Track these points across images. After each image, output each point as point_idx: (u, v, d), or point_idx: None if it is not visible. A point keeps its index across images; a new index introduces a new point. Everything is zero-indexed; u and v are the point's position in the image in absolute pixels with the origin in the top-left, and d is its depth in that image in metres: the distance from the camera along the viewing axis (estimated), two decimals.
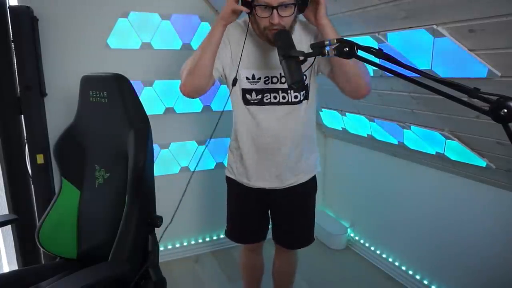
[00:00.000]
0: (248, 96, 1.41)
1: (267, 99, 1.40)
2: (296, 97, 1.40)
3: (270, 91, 1.39)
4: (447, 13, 1.14)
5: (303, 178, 1.55)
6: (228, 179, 1.61)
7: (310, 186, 1.60)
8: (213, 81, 1.38)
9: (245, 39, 1.35)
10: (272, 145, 1.44)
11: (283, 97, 1.40)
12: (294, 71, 1.07)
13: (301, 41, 1.36)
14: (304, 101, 1.42)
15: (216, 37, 1.28)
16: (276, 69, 1.36)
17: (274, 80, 1.38)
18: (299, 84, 1.09)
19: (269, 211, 1.64)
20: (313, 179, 1.62)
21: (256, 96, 1.40)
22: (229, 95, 1.46)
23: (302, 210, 1.61)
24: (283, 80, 1.37)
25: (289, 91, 1.39)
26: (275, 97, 1.40)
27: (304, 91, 1.41)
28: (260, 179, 1.50)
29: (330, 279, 2.37)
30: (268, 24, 1.22)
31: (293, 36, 1.24)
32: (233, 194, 1.62)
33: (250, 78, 1.39)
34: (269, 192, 1.52)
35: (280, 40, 1.18)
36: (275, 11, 1.18)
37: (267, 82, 1.39)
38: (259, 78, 1.38)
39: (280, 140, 1.44)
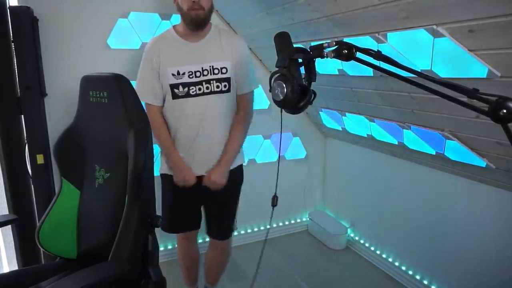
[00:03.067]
0: (176, 90, 1.59)
1: (193, 91, 1.59)
2: (218, 86, 1.60)
3: (195, 84, 1.58)
4: (447, 13, 1.14)
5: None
6: (163, 176, 1.74)
7: (234, 177, 1.73)
8: (161, 108, 1.66)
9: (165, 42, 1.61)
10: (199, 134, 1.62)
11: (207, 88, 1.59)
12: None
13: (222, 41, 1.62)
14: (226, 93, 1.62)
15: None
16: (198, 64, 1.57)
17: (197, 74, 1.58)
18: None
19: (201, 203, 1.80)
20: (239, 169, 1.77)
21: (183, 89, 1.58)
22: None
23: (228, 201, 1.77)
24: (205, 73, 1.58)
25: (211, 82, 1.59)
26: (199, 89, 1.59)
27: (226, 83, 1.61)
28: (200, 167, 1.66)
29: (330, 279, 2.37)
30: (191, 4, 1.48)
31: (212, 35, 1.60)
32: (168, 189, 1.73)
33: (176, 74, 1.58)
34: (199, 183, 1.66)
35: (281, 41, 1.18)
36: None
37: (191, 76, 1.58)
38: (184, 73, 1.57)
39: (205, 129, 1.61)
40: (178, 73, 1.57)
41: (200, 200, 1.76)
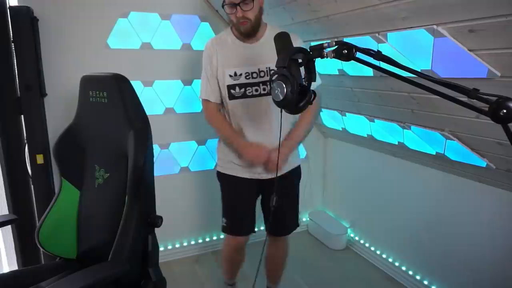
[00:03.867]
0: (232, 91, 1.61)
1: (249, 92, 1.60)
2: None
3: (251, 85, 1.60)
4: (447, 13, 1.14)
5: (289, 167, 1.72)
6: (219, 175, 1.76)
7: (295, 174, 1.78)
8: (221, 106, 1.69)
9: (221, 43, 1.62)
10: (258, 136, 1.63)
11: (264, 89, 1.60)
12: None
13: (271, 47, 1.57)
14: None
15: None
16: (254, 65, 1.59)
17: (254, 75, 1.59)
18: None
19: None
20: (298, 168, 1.80)
21: (240, 90, 1.60)
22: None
23: (291, 197, 1.79)
24: (261, 74, 1.59)
25: (267, 83, 1.59)
26: (256, 90, 1.60)
27: None
28: (252, 170, 1.67)
29: (330, 279, 2.37)
30: (237, 18, 1.50)
31: (267, 36, 1.58)
32: (228, 188, 1.76)
33: (233, 75, 1.60)
34: (262, 182, 1.68)
35: (280, 41, 1.18)
36: (238, 7, 1.48)
37: (248, 77, 1.59)
38: (241, 74, 1.59)
39: (265, 131, 1.62)
40: (235, 74, 1.59)
41: (257, 200, 1.77)
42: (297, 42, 1.58)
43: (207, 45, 1.65)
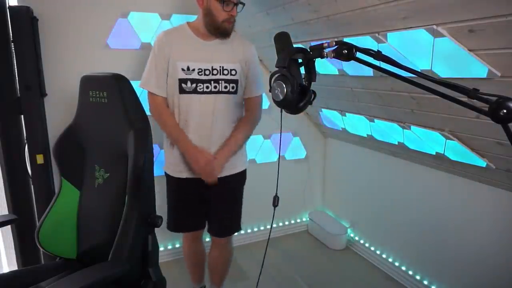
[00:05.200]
0: (183, 85, 1.60)
1: (200, 89, 1.60)
2: (225, 87, 1.63)
3: (203, 81, 1.60)
4: (447, 13, 1.14)
5: (233, 170, 1.72)
6: (166, 174, 1.77)
7: (239, 179, 1.78)
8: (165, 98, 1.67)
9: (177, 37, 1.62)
10: (202, 132, 1.63)
11: (215, 87, 1.62)
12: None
13: (233, 44, 1.65)
14: (233, 95, 1.65)
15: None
16: (208, 63, 1.59)
17: (207, 72, 1.60)
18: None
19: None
20: (243, 172, 1.80)
21: (191, 85, 1.60)
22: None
23: (231, 200, 1.79)
24: (214, 72, 1.61)
25: (219, 82, 1.62)
26: (207, 87, 1.61)
27: (234, 84, 1.64)
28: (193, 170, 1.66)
29: (330, 279, 2.37)
30: (228, 17, 1.54)
31: (231, 40, 1.62)
32: (173, 189, 1.77)
33: (185, 69, 1.59)
34: (202, 182, 1.67)
35: (281, 41, 1.18)
36: (235, 6, 1.55)
37: (200, 73, 1.59)
38: (193, 70, 1.59)
39: (209, 128, 1.63)
40: (188, 68, 1.59)
41: (204, 199, 1.76)
42: (252, 50, 1.69)
43: (160, 36, 1.63)
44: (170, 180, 1.75)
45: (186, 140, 1.63)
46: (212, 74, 1.61)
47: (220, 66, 1.61)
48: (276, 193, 1.50)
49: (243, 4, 1.59)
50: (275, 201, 1.49)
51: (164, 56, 1.59)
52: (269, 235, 1.68)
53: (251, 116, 1.73)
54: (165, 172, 1.78)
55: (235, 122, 1.71)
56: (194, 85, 1.60)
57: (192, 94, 1.60)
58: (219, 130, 1.65)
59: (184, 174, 1.69)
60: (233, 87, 1.65)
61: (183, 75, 1.59)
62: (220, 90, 1.62)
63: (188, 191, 1.73)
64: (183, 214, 1.78)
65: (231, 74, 1.63)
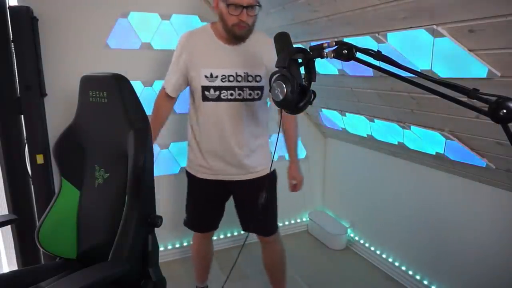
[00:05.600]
0: (206, 92, 1.56)
1: (224, 96, 1.56)
2: (250, 94, 1.58)
3: (227, 88, 1.55)
4: (447, 13, 1.14)
5: (257, 174, 1.70)
6: (186, 172, 1.77)
7: (264, 182, 1.69)
8: (175, 99, 1.70)
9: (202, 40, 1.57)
10: (227, 139, 1.60)
11: (239, 94, 1.57)
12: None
13: (257, 50, 1.58)
14: (257, 101, 1.61)
15: None
16: (232, 69, 1.54)
17: (231, 78, 1.55)
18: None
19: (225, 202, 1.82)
20: (271, 174, 1.73)
21: (214, 92, 1.55)
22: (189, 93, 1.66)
23: (258, 201, 1.74)
24: (239, 79, 1.56)
25: (244, 89, 1.56)
26: (231, 94, 1.56)
27: (259, 91, 1.60)
28: (220, 172, 1.66)
29: (330, 279, 2.37)
30: (237, 21, 1.44)
31: (250, 41, 1.54)
32: (194, 188, 1.77)
33: (208, 76, 1.54)
34: (227, 184, 1.68)
35: (281, 41, 1.17)
36: (244, 10, 1.43)
37: (224, 80, 1.55)
38: (217, 76, 1.54)
39: (234, 135, 1.60)
40: (211, 75, 1.54)
41: (224, 199, 1.79)
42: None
43: (183, 38, 1.59)
44: (188, 177, 1.76)
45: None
46: (236, 81, 1.55)
47: (244, 73, 1.56)
48: (264, 191, 1.51)
49: (259, 6, 1.46)
50: (262, 199, 1.50)
51: (184, 60, 1.57)
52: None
53: (292, 120, 1.73)
54: (186, 170, 1.77)
55: (260, 127, 1.68)
56: (217, 92, 1.55)
57: (216, 102, 1.56)
58: (248, 137, 1.63)
59: (205, 175, 1.69)
60: (257, 94, 1.59)
61: (206, 83, 1.55)
62: (245, 97, 1.57)
63: (207, 192, 1.73)
64: (199, 214, 1.80)
65: (255, 81, 1.58)
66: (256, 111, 1.63)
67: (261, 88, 1.60)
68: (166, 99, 1.69)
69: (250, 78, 1.57)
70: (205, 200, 1.77)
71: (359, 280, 2.36)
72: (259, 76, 1.58)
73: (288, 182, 1.80)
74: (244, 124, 1.60)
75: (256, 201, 1.63)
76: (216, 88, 1.55)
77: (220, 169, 1.65)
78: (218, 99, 1.56)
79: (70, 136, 1.43)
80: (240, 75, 1.56)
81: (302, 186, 1.80)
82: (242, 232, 2.74)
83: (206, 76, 1.54)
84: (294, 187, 1.80)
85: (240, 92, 1.56)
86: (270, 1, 1.83)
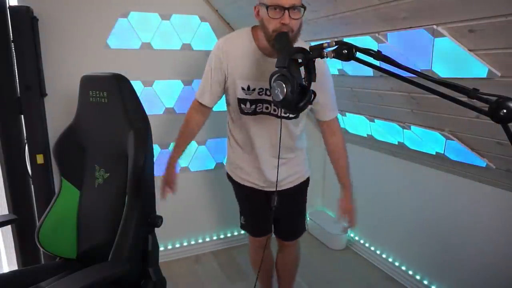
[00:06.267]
0: (242, 105, 1.47)
1: (259, 109, 1.47)
2: (285, 112, 1.45)
3: (263, 101, 1.46)
4: (447, 13, 1.14)
5: (292, 184, 1.65)
6: (233, 181, 1.70)
7: (304, 186, 1.72)
8: (210, 110, 1.60)
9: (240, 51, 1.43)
10: (261, 155, 1.55)
11: (274, 110, 1.47)
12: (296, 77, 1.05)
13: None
14: (294, 120, 1.51)
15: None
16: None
17: (268, 92, 1.42)
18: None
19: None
20: (307, 179, 1.74)
21: (250, 106, 1.47)
22: (227, 104, 1.57)
23: (296, 207, 1.75)
24: None
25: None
26: (266, 108, 1.47)
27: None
28: (259, 181, 1.62)
29: (330, 279, 2.37)
30: (279, 25, 1.24)
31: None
32: (239, 194, 1.74)
33: (246, 89, 1.44)
34: (268, 192, 1.62)
35: (281, 41, 1.18)
36: (286, 12, 1.22)
37: (261, 93, 1.44)
38: (254, 89, 1.44)
39: (271, 149, 1.54)
40: (249, 88, 1.43)
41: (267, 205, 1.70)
42: (324, 67, 1.46)
43: (220, 46, 1.44)
44: (232, 183, 1.71)
45: (175, 152, 1.64)
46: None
47: None
48: (275, 194, 1.50)
49: (304, 8, 1.25)
50: (274, 201, 1.50)
51: (221, 71, 1.45)
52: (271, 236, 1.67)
53: (341, 138, 1.62)
54: (228, 174, 1.71)
55: (294, 149, 1.60)
56: (253, 106, 1.46)
57: (251, 116, 1.48)
58: (282, 155, 1.52)
59: (246, 182, 1.64)
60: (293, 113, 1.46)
61: (243, 95, 1.44)
62: (280, 115, 1.45)
63: (254, 198, 1.68)
64: (251, 219, 1.75)
65: None
66: (291, 131, 1.54)
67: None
68: (199, 111, 1.57)
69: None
70: (252, 206, 1.74)
71: (359, 280, 2.36)
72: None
73: (337, 215, 1.66)
74: (277, 142, 1.48)
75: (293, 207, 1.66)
76: (252, 102, 1.45)
77: (259, 180, 1.61)
78: (254, 112, 1.48)
79: (70, 136, 1.44)
80: None
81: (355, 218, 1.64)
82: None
83: (243, 88, 1.44)
84: (349, 221, 1.64)
85: (275, 108, 1.45)
86: None
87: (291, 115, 1.48)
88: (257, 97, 1.45)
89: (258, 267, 1.76)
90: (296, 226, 1.78)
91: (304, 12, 1.26)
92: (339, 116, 2.37)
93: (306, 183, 1.73)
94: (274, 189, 1.53)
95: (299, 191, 1.71)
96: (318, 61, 1.23)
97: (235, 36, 1.47)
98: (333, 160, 1.63)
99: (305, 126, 1.65)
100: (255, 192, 1.64)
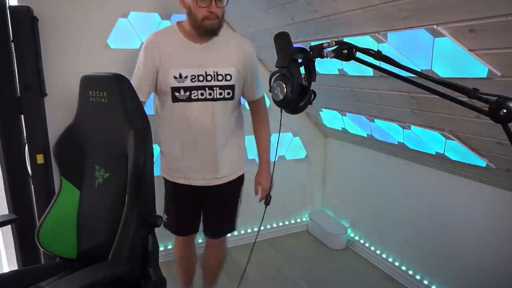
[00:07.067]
0: (176, 93, 1.52)
1: (194, 96, 1.53)
2: (221, 94, 1.55)
3: (197, 88, 1.53)
4: (447, 13, 1.14)
5: (231, 177, 1.69)
6: (164, 178, 1.73)
7: (238, 182, 1.75)
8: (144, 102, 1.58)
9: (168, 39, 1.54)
10: (200, 141, 1.58)
11: (209, 94, 1.54)
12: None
13: (230, 49, 1.56)
14: (229, 101, 1.58)
15: None
16: (202, 68, 1.51)
17: (201, 78, 1.52)
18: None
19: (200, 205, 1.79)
20: (242, 176, 1.77)
21: (184, 93, 1.52)
22: (154, 97, 1.64)
23: (229, 204, 1.78)
24: (208, 78, 1.52)
25: (214, 88, 1.53)
26: (202, 94, 1.53)
27: (229, 90, 1.56)
28: (193, 177, 1.64)
29: (330, 279, 2.37)
30: (207, 13, 1.42)
31: (219, 39, 1.51)
32: (169, 192, 1.74)
33: (177, 77, 1.51)
34: (202, 189, 1.66)
35: (281, 41, 1.17)
36: (213, 1, 1.41)
37: (193, 80, 1.51)
38: (186, 77, 1.51)
39: (206, 135, 1.58)
40: (180, 76, 1.50)
41: (200, 203, 1.76)
42: (250, 49, 1.61)
43: (149, 40, 1.54)
44: (165, 182, 1.74)
45: None
46: (206, 80, 1.52)
47: (214, 72, 1.52)
48: (269, 192, 1.50)
49: None
50: (267, 200, 1.50)
51: (152, 64, 1.52)
52: (257, 234, 1.68)
53: (264, 118, 1.74)
54: (161, 174, 1.75)
55: (234, 127, 1.66)
56: (187, 93, 1.52)
57: (186, 102, 1.53)
58: (222, 137, 1.60)
59: (179, 179, 1.67)
60: (228, 93, 1.56)
61: (176, 83, 1.51)
62: (215, 97, 1.54)
63: (185, 196, 1.71)
64: (179, 218, 1.77)
65: (226, 80, 1.54)
66: (229, 111, 1.60)
67: (232, 87, 1.56)
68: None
69: (220, 77, 1.53)
70: (181, 204, 1.75)
71: (359, 280, 2.36)
72: (229, 75, 1.54)
73: (254, 187, 1.76)
74: (220, 123, 1.57)
75: (225, 204, 1.70)
76: (186, 89, 1.52)
77: (193, 172, 1.63)
78: (189, 99, 1.53)
79: (70, 136, 1.43)
80: (209, 74, 1.52)
81: (266, 194, 1.70)
82: (243, 232, 2.74)
83: (175, 77, 1.50)
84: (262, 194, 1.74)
85: (211, 91, 1.53)
86: (270, 1, 1.83)
87: (226, 96, 1.56)
88: (190, 84, 1.51)
89: (181, 264, 1.89)
90: (223, 225, 1.80)
91: (227, 1, 1.43)
92: (339, 115, 2.38)
93: (241, 180, 1.76)
94: (211, 184, 1.63)
95: (236, 186, 1.75)
96: (245, 42, 1.53)
97: (162, 30, 1.60)
98: (257, 138, 1.75)
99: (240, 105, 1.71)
100: (188, 189, 1.66)
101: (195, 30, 1.48)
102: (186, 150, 1.61)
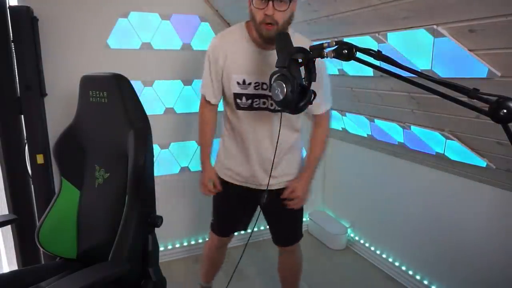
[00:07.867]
0: (238, 100, 1.46)
1: (256, 104, 1.46)
2: None
3: (260, 96, 1.45)
4: (447, 13, 1.14)
5: (284, 185, 1.61)
6: (219, 178, 1.67)
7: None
8: (217, 105, 1.59)
9: (235, 44, 1.43)
10: (259, 149, 1.52)
11: (271, 104, 1.45)
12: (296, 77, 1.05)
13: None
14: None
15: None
16: (266, 75, 1.34)
17: (264, 86, 1.43)
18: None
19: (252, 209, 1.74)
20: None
21: (247, 101, 1.45)
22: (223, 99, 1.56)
23: (290, 211, 1.64)
24: None
25: None
26: (264, 103, 1.46)
27: None
28: (249, 181, 1.60)
29: (330, 279, 2.37)
30: (263, 17, 1.26)
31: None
32: (222, 192, 1.68)
33: (241, 83, 1.43)
34: (257, 192, 1.58)
35: (281, 41, 1.18)
36: (270, 2, 1.23)
37: (257, 87, 1.43)
38: (250, 83, 1.43)
39: (266, 145, 1.51)
40: (244, 82, 1.42)
41: (248, 208, 1.72)
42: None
43: (215, 42, 1.46)
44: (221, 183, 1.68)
45: (205, 159, 1.63)
46: (270, 90, 1.44)
47: None
48: (266, 191, 1.50)
49: (291, 0, 1.25)
50: (264, 199, 1.48)
51: (217, 67, 1.45)
52: (251, 233, 1.65)
53: (324, 132, 1.62)
54: (216, 173, 1.69)
55: (294, 141, 1.59)
56: (249, 101, 1.44)
57: (247, 111, 1.46)
58: (280, 149, 1.51)
59: (230, 178, 1.63)
60: None
61: (239, 90, 1.44)
62: (276, 108, 1.44)
63: (233, 198, 1.67)
64: (222, 219, 1.75)
65: None
66: (289, 124, 1.53)
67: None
68: (209, 106, 1.58)
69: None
70: (228, 204, 1.72)
71: (359, 280, 2.36)
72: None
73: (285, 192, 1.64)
74: (275, 137, 1.46)
75: (290, 212, 1.61)
76: (248, 96, 1.44)
77: (249, 176, 1.59)
78: (251, 107, 1.46)
79: (70, 136, 1.43)
80: None
81: (301, 204, 1.62)
82: (243, 232, 2.74)
83: (238, 83, 1.43)
84: (293, 201, 1.60)
85: (272, 102, 1.44)
86: None
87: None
88: (253, 91, 1.44)
89: (208, 262, 1.87)
90: (290, 232, 1.75)
91: (290, 5, 1.26)
92: (339, 115, 2.38)
93: None
94: (265, 188, 1.50)
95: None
96: (317, 61, 1.22)
97: (229, 31, 1.49)
98: (310, 148, 1.63)
99: (301, 126, 1.64)
100: (239, 190, 1.62)
101: (257, 34, 1.35)
102: (241, 156, 1.57)
